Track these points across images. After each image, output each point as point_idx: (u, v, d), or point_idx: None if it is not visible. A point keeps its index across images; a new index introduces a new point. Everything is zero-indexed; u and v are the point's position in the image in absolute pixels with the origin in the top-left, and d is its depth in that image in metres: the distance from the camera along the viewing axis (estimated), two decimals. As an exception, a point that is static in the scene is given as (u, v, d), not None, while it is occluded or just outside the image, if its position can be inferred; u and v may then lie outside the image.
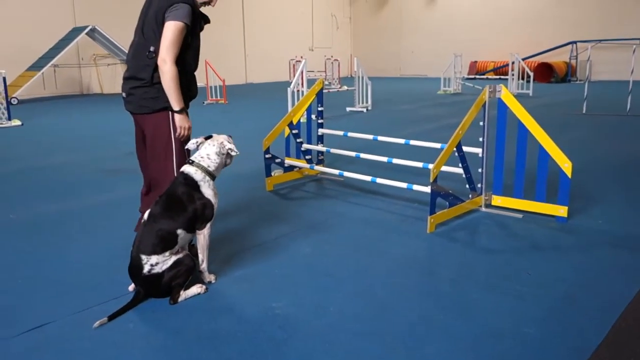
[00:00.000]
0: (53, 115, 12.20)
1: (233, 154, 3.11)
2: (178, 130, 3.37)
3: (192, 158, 3.07)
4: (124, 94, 3.49)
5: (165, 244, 2.84)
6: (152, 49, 3.26)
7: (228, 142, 3.12)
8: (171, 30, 3.18)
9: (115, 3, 18.28)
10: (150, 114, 3.38)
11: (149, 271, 2.79)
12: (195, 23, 3.33)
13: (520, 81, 15.48)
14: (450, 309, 2.77)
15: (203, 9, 3.45)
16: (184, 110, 3.34)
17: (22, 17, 16.43)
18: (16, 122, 10.25)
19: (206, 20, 3.45)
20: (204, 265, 3.08)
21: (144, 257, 2.80)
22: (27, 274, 3.28)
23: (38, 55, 15.99)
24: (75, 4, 17.65)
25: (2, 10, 16.04)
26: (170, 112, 3.35)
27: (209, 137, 3.14)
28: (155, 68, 3.25)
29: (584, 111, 10.50)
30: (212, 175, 3.05)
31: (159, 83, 3.28)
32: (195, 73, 3.53)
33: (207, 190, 3.02)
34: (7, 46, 15.93)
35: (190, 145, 3.18)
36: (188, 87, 3.43)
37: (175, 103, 3.28)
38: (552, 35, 21.45)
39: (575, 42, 20.68)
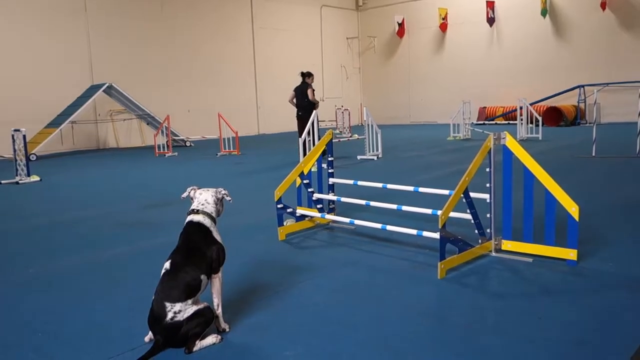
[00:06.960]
0: (70, 170, 12.50)
1: (228, 198, 3.32)
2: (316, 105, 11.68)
3: (194, 207, 3.20)
4: (299, 113, 11.72)
5: (190, 291, 2.93)
6: (306, 99, 11.63)
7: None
8: (311, 91, 11.60)
9: (131, 62, 18.94)
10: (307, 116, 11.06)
11: (172, 319, 2.85)
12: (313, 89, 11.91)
13: (530, 125, 15.62)
14: (463, 355, 2.79)
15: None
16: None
17: (41, 76, 17.02)
18: (35, 178, 10.51)
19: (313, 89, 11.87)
20: (219, 310, 3.14)
21: (168, 304, 2.87)
22: (45, 328, 3.35)
23: (57, 112, 16.49)
24: (93, 62, 18.28)
25: (22, 70, 16.64)
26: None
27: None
28: (309, 101, 11.70)
29: (593, 154, 10.56)
30: (215, 220, 3.22)
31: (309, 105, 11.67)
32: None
33: (217, 235, 3.20)
34: (27, 104, 16.44)
35: (184, 195, 3.34)
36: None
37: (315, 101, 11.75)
38: (559, 80, 21.71)
39: (582, 86, 20.92)
